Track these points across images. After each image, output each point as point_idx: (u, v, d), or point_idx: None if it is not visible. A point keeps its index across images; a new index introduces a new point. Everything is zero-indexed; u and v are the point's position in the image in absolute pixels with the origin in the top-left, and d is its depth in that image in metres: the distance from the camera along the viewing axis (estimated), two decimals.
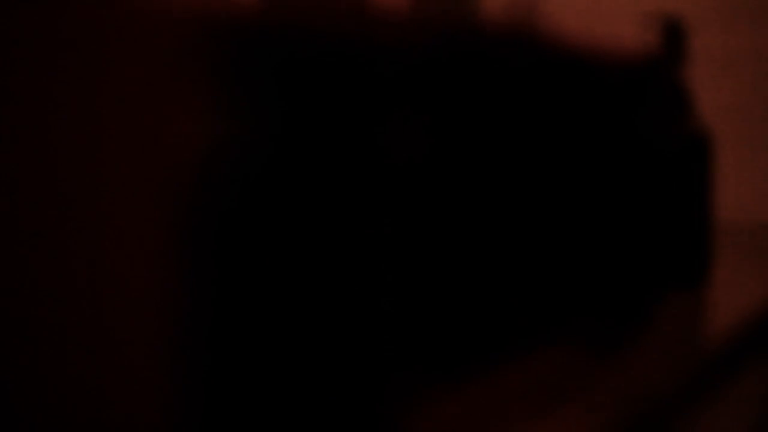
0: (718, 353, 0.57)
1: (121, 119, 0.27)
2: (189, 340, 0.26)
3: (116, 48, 0.27)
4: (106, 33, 0.27)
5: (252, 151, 0.28)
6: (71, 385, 0.27)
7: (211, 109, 0.26)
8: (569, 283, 0.46)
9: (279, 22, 0.28)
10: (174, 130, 0.26)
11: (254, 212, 0.28)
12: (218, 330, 0.27)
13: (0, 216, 0.28)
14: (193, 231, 0.26)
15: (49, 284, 0.27)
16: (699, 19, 1.24)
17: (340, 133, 0.32)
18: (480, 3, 1.34)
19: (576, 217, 0.47)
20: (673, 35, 0.75)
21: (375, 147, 0.34)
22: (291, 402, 0.30)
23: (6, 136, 0.28)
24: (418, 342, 0.36)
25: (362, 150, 0.33)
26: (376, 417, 0.33)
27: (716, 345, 0.58)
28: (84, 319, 0.27)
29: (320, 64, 0.30)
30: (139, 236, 0.26)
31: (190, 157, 0.26)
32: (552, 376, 0.46)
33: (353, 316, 0.33)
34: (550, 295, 0.45)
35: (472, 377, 0.40)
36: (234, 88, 0.27)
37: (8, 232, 0.28)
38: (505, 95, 0.41)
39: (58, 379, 0.27)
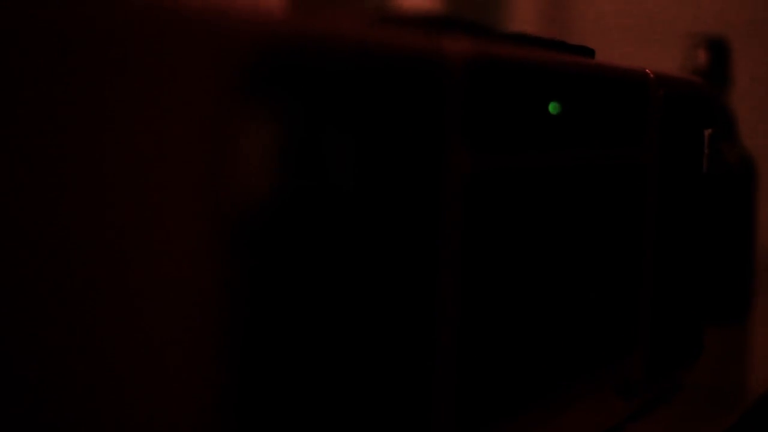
0: (765, 391, 0.54)
1: (168, 126, 0.26)
2: (230, 349, 0.26)
3: (142, 53, 0.26)
4: (129, 36, 0.26)
5: (283, 160, 0.27)
6: (109, 387, 0.27)
7: (253, 118, 0.25)
8: (607, 320, 0.44)
9: (306, 33, 0.27)
10: (219, 138, 0.25)
11: (292, 217, 0.27)
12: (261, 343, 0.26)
13: (16, 218, 0.28)
14: (226, 238, 0.25)
15: (84, 285, 0.28)
16: (734, 39, 1.22)
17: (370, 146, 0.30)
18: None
19: (612, 251, 0.44)
20: (718, 56, 0.73)
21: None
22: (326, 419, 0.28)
23: (27, 137, 0.28)
24: (456, 397, 0.34)
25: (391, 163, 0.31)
26: None
27: (763, 382, 0.56)
28: (119, 320, 0.27)
29: (348, 76, 0.29)
30: (191, 241, 0.26)
31: (236, 164, 0.25)
32: (592, 422, 0.44)
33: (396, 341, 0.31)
34: (585, 337, 0.43)
35: (511, 427, 0.38)
36: (258, 97, 0.26)
37: (38, 235, 0.28)
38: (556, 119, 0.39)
39: (94, 379, 0.27)
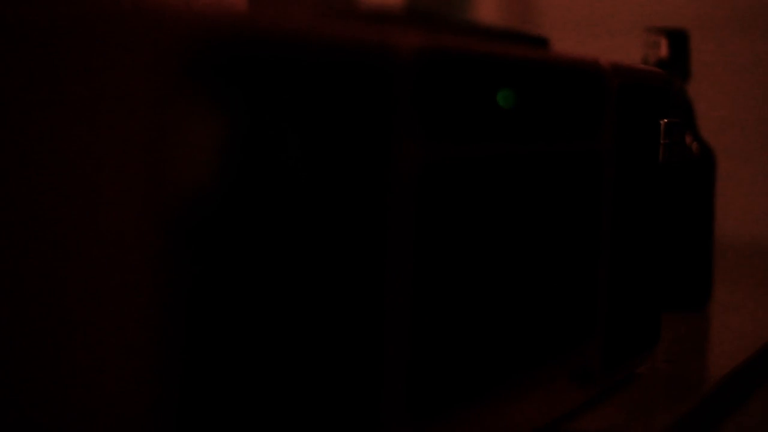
0: (722, 379, 0.55)
1: (110, 119, 0.26)
2: (181, 345, 0.26)
3: (104, 48, 0.26)
4: (93, 33, 0.26)
5: (242, 153, 0.27)
6: (60, 384, 0.27)
7: (198, 111, 0.25)
8: (563, 308, 0.44)
9: (258, 25, 0.27)
10: (162, 131, 0.25)
11: (246, 213, 0.27)
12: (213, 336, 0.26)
13: None
14: (184, 233, 0.25)
15: (38, 284, 0.27)
16: (691, 31, 1.22)
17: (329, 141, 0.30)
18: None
19: (569, 240, 0.45)
20: (677, 48, 0.73)
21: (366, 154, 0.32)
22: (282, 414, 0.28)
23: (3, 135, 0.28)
24: (409, 383, 0.34)
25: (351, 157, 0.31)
26: None
27: (719, 370, 0.56)
28: (73, 319, 0.27)
29: (313, 69, 0.29)
30: (130, 236, 0.26)
31: (179, 158, 0.25)
32: (546, 410, 0.44)
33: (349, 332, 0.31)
34: (541, 325, 0.43)
35: (464, 414, 0.38)
36: (220, 91, 0.26)
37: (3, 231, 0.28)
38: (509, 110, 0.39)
39: (48, 377, 0.27)
